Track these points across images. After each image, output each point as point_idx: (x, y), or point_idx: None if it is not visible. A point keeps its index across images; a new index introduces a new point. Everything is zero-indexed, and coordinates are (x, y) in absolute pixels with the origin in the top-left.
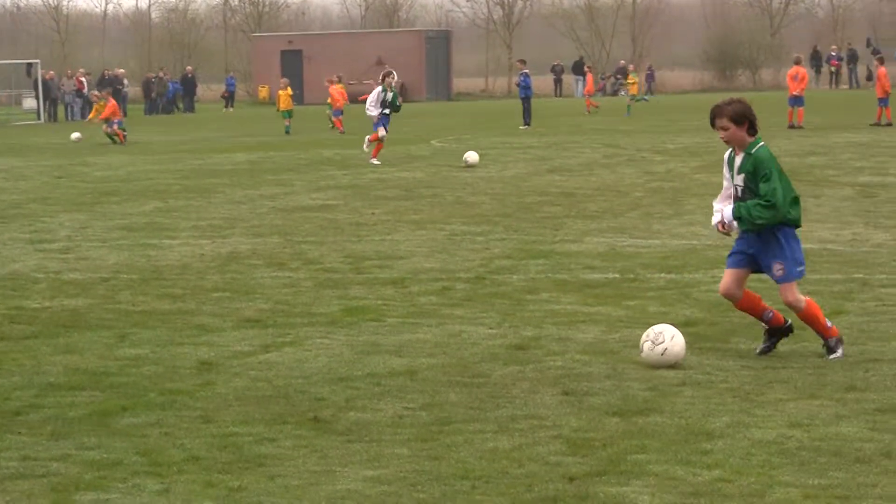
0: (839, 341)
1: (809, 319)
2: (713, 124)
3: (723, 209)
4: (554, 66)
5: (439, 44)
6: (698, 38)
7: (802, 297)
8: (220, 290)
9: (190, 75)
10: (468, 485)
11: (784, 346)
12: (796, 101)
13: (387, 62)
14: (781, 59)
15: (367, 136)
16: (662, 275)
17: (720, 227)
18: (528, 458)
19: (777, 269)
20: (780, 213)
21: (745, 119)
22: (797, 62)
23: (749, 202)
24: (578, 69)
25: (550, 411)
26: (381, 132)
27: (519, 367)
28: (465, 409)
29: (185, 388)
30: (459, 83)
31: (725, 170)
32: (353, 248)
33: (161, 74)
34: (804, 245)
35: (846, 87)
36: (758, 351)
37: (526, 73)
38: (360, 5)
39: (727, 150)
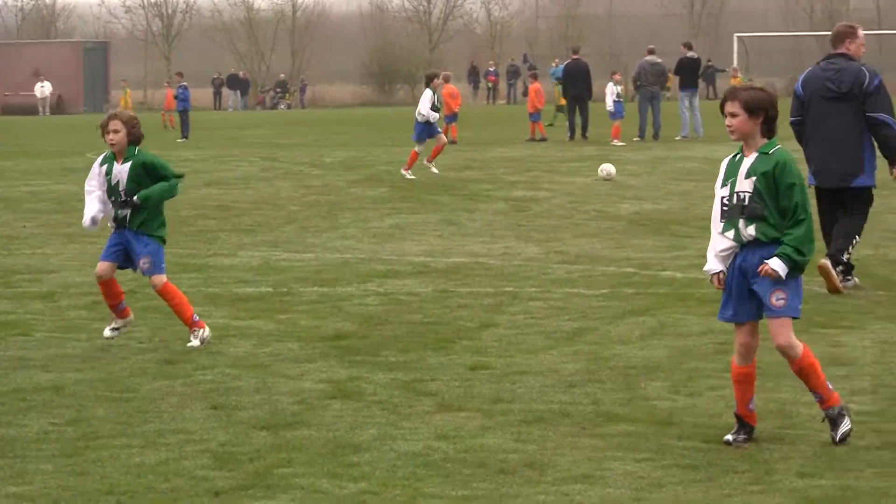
0: (842, 413)
1: (806, 372)
2: (722, 109)
3: (767, 261)
4: (213, 78)
5: (97, 55)
6: (358, 52)
7: (799, 343)
8: None
9: None
10: (113, 500)
11: (432, 358)
12: (450, 118)
13: (43, 73)
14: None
15: (426, 159)
16: (315, 288)
17: (716, 283)
18: (174, 473)
19: (778, 297)
20: (812, 234)
21: (760, 111)
22: (446, 80)
23: (789, 239)
24: (233, 83)
25: (198, 425)
26: (443, 138)
27: (168, 382)
28: (112, 424)
29: None
30: (118, 95)
31: (722, 178)
32: (2, 262)
33: None
34: (457, 259)
35: (504, 102)
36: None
37: (184, 85)
38: (16, 15)
39: (729, 155)
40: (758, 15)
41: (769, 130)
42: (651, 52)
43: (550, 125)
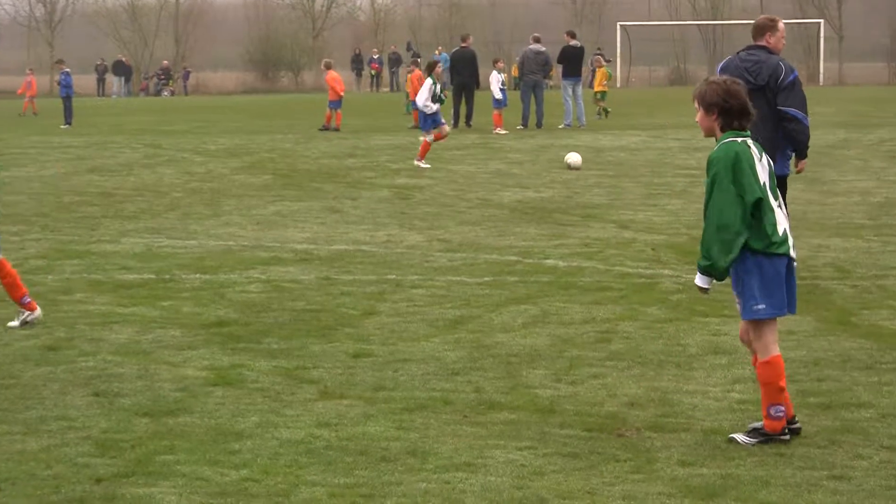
0: (768, 436)
1: (761, 379)
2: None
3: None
4: (97, 65)
5: None
6: (241, 40)
7: (772, 350)
8: None
9: None
10: None
11: (315, 345)
12: (335, 104)
13: None
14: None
15: (418, 153)
16: (198, 275)
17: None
18: (55, 460)
19: (737, 303)
20: (725, 235)
21: (714, 107)
22: (328, 66)
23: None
24: (119, 70)
25: (80, 412)
26: (446, 129)
27: (50, 368)
28: None
29: None
30: (1, 81)
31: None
32: None
33: None
34: (340, 247)
35: (387, 89)
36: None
37: (67, 71)
38: None
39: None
40: (641, 4)
41: (726, 124)
42: (535, 40)
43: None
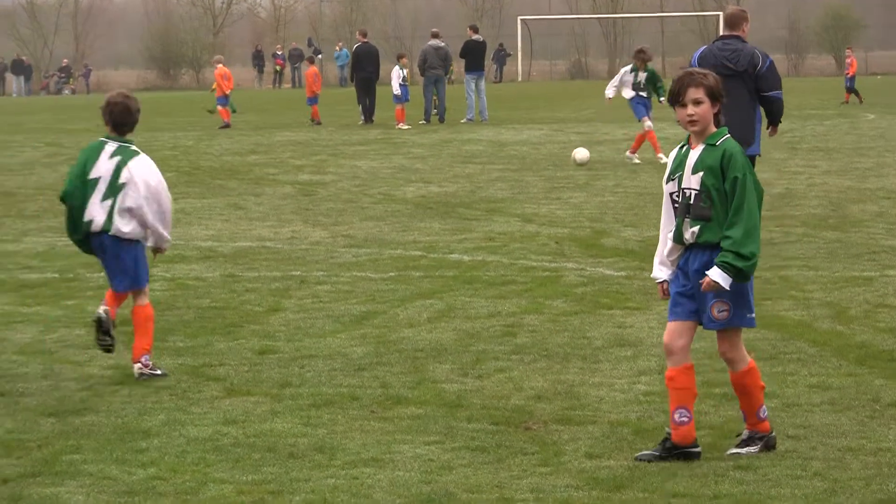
0: (761, 439)
1: (741, 390)
2: (679, 97)
3: (708, 273)
4: None
5: None
6: (142, 37)
7: (747, 358)
8: None
9: None
10: None
11: (220, 343)
12: (223, 100)
13: None
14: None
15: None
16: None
17: (661, 293)
18: None
19: (720, 309)
20: (757, 235)
21: (718, 97)
22: (219, 63)
23: (728, 244)
24: (18, 69)
25: None
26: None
27: None
28: None
29: None
30: None
31: (668, 172)
32: None
33: None
34: (244, 244)
35: (289, 86)
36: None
37: None
38: None
39: (678, 146)
40: None
41: (717, 118)
42: (435, 35)
43: None
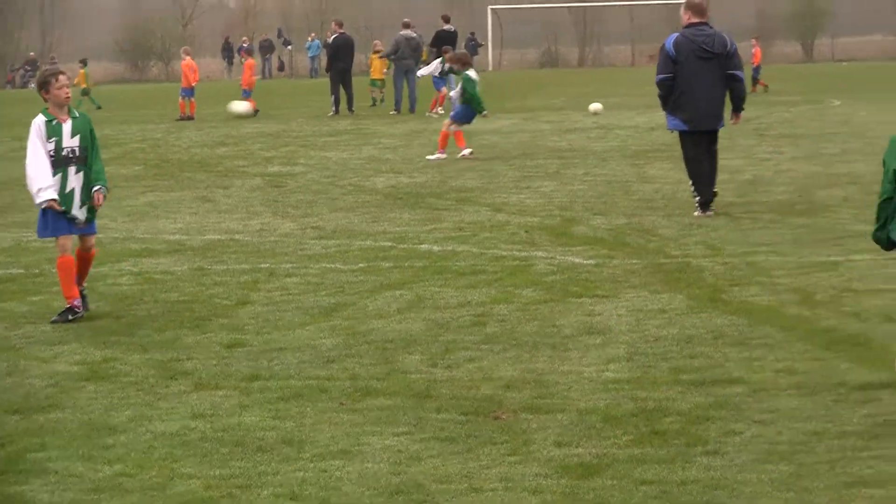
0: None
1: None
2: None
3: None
4: None
5: None
6: (111, 30)
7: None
8: None
9: None
10: None
11: (188, 336)
12: (188, 92)
13: None
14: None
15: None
16: None
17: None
18: None
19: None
20: None
21: None
22: (186, 54)
23: None
24: None
25: None
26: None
27: None
28: None
29: None
30: None
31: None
32: None
33: None
34: (213, 237)
35: (259, 77)
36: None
37: None
38: None
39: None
40: None
41: None
42: (406, 25)
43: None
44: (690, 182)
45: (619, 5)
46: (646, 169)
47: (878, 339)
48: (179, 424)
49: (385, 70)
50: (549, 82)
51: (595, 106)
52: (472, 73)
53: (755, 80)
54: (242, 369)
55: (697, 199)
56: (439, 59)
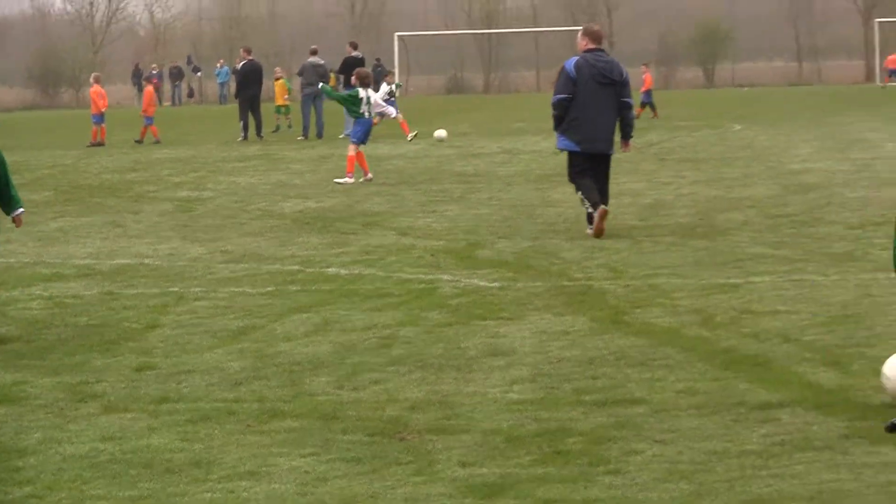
0: None
1: None
2: None
3: None
4: None
5: None
6: (21, 55)
7: None
8: None
9: None
10: None
11: (98, 360)
12: (98, 118)
13: None
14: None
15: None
16: None
17: None
18: None
19: None
20: None
21: None
22: (96, 80)
23: None
24: None
25: None
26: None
27: None
28: None
29: None
30: None
31: None
32: None
33: None
34: (122, 261)
35: (168, 104)
36: None
37: None
38: None
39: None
40: (418, 14)
41: None
42: (314, 52)
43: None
44: (578, 192)
45: (523, 32)
46: (549, 193)
47: (776, 359)
48: (89, 447)
49: (286, 96)
50: (455, 108)
51: (439, 133)
52: (364, 92)
53: (643, 104)
54: (151, 392)
55: (587, 205)
56: (385, 84)
